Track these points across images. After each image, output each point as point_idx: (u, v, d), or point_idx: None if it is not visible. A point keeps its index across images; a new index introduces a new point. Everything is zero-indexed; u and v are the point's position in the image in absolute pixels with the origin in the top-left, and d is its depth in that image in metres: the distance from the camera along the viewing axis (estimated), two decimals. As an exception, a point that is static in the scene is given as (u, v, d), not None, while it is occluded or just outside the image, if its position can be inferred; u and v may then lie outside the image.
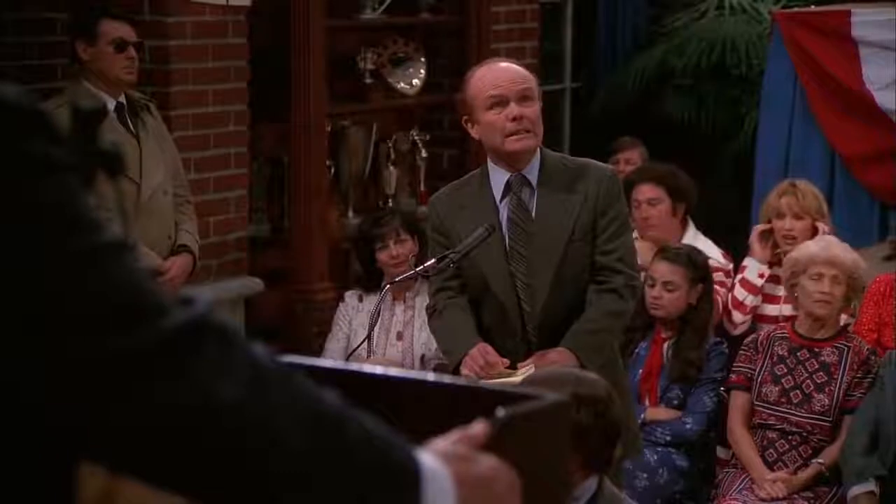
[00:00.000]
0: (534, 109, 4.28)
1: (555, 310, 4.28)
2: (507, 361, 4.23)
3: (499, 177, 4.35)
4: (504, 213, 4.33)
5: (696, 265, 5.58)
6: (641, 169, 6.85)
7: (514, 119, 4.23)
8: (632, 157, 7.43)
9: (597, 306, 4.30)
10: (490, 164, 4.39)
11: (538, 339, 4.28)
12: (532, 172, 4.34)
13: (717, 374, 5.49)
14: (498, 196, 4.35)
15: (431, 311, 4.51)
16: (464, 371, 4.23)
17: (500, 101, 4.26)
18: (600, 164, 4.51)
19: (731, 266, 6.22)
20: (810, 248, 5.33)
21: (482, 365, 4.18)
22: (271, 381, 1.43)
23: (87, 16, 5.36)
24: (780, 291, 5.91)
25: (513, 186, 4.33)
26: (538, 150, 4.36)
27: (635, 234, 6.34)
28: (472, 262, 4.31)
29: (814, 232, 5.91)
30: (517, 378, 4.08)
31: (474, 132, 4.37)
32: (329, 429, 1.44)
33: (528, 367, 4.18)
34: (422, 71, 7.43)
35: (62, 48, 5.56)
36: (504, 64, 4.42)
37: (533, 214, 4.32)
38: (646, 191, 6.29)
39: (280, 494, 1.41)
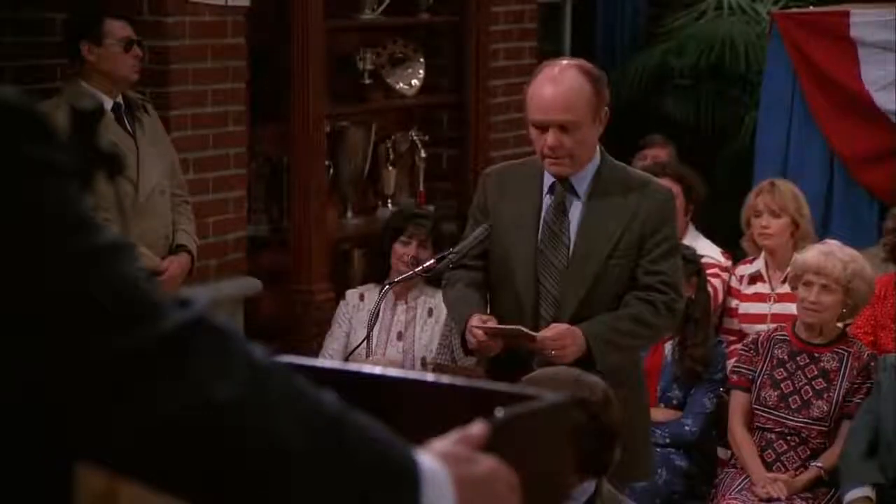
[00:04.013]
0: (575, 138, 4.14)
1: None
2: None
3: (549, 174, 4.28)
4: (543, 212, 4.26)
5: (687, 259, 5.58)
6: (661, 164, 6.86)
7: (550, 147, 4.15)
8: (660, 155, 7.39)
9: (630, 310, 4.21)
10: None
11: None
12: (581, 182, 4.24)
13: (716, 375, 5.49)
14: (545, 189, 4.28)
15: (445, 283, 4.44)
16: (476, 339, 4.19)
17: (541, 126, 4.16)
18: (660, 182, 4.41)
19: (728, 264, 6.25)
20: (808, 254, 5.30)
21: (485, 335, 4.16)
22: (270, 381, 1.43)
23: (92, 16, 5.35)
24: (767, 289, 5.94)
25: (556, 189, 4.25)
26: (596, 157, 4.25)
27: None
28: (503, 247, 4.25)
29: (795, 229, 5.93)
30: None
31: None
32: (328, 430, 1.44)
33: None
34: (421, 71, 7.43)
35: (60, 48, 5.55)
36: (556, 84, 4.16)
37: (574, 224, 4.23)
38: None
39: (279, 495, 1.41)
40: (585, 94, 4.17)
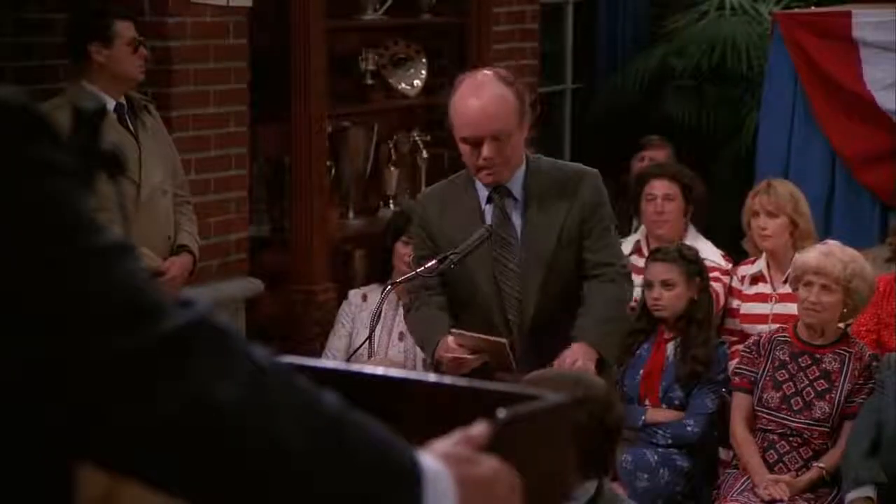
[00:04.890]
0: (508, 146, 4.23)
1: (544, 319, 4.31)
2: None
3: (482, 185, 4.38)
4: (488, 221, 4.35)
5: (689, 260, 5.59)
6: (660, 164, 6.86)
7: (485, 159, 4.23)
8: (658, 156, 7.38)
9: (599, 296, 4.33)
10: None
11: (523, 346, 4.30)
12: (515, 185, 4.35)
13: (719, 376, 5.49)
14: (483, 200, 4.38)
15: (407, 309, 4.57)
16: (445, 356, 4.26)
17: (470, 142, 4.24)
18: (586, 168, 4.48)
19: (729, 266, 6.24)
20: (808, 254, 5.30)
21: (454, 355, 4.22)
22: (271, 382, 1.43)
23: (101, 17, 5.34)
24: (768, 289, 5.93)
25: (495, 198, 4.35)
26: (523, 160, 4.35)
27: (643, 234, 6.40)
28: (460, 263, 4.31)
29: (794, 229, 5.93)
30: None
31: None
32: (329, 430, 1.44)
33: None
34: (423, 72, 7.43)
35: (61, 49, 5.54)
36: (480, 98, 4.20)
37: (518, 227, 4.34)
38: (662, 186, 6.30)
39: (280, 495, 1.41)
40: (510, 102, 4.23)
